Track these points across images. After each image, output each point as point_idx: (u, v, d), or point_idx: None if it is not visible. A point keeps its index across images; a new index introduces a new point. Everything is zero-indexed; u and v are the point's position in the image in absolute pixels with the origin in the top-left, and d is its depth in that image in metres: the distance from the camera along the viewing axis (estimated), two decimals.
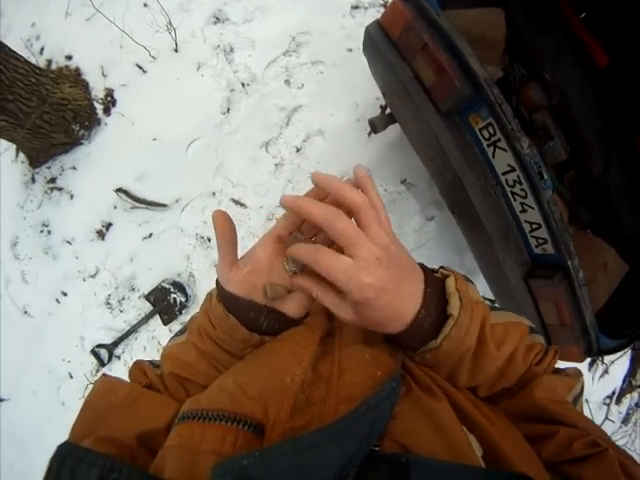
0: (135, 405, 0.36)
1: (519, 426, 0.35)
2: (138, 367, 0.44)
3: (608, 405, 2.36)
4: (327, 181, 0.32)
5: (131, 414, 0.36)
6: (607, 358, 2.26)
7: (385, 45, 1.20)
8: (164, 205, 1.84)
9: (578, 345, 1.20)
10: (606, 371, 2.33)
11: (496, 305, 1.58)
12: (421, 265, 0.37)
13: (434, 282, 0.35)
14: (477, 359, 0.35)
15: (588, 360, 2.21)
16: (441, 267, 0.39)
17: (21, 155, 2.03)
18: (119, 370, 1.86)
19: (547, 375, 0.40)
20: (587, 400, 2.21)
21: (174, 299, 1.78)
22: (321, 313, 0.42)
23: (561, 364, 0.45)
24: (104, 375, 0.41)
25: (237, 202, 1.83)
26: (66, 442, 0.29)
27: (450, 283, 0.35)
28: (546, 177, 1.09)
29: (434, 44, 1.08)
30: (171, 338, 0.45)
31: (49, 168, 1.98)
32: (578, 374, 0.43)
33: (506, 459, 0.28)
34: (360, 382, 0.31)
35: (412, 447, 0.27)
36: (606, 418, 2.28)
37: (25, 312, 1.99)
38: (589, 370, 2.24)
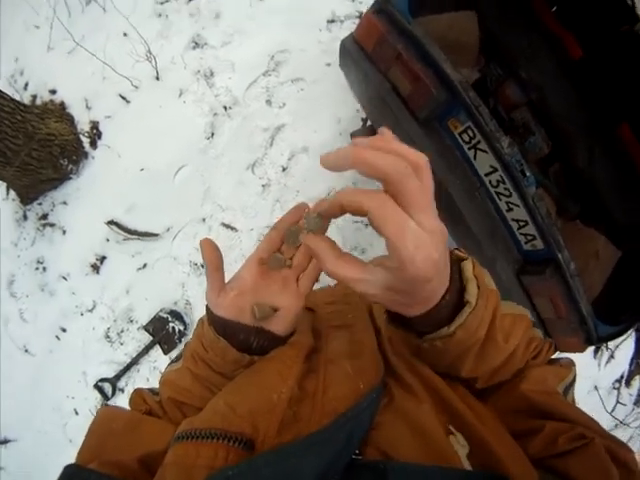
0: (136, 431, 0.38)
1: (507, 421, 0.35)
2: (138, 395, 0.45)
3: (618, 389, 2.35)
4: (373, 145, 0.26)
5: (132, 439, 0.37)
6: (611, 343, 2.26)
7: (360, 58, 1.23)
8: (155, 235, 1.85)
9: (577, 335, 1.20)
10: (612, 356, 2.33)
11: None
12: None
13: (454, 267, 0.33)
14: (484, 350, 0.35)
15: (592, 348, 2.22)
16: (456, 249, 0.37)
17: (12, 193, 2.03)
18: (123, 403, 1.82)
19: (536, 367, 0.40)
20: (596, 387, 2.21)
21: (173, 328, 1.78)
22: (307, 331, 0.42)
23: (563, 356, 0.46)
24: (106, 405, 0.42)
25: (227, 226, 1.85)
26: (72, 464, 0.31)
27: (468, 267, 0.34)
28: (528, 174, 1.11)
29: (408, 53, 1.10)
30: (168, 365, 0.46)
31: (40, 204, 1.99)
32: (570, 364, 0.43)
33: (495, 457, 0.28)
34: (343, 396, 0.32)
35: (394, 454, 0.28)
36: (617, 402, 2.27)
37: (26, 350, 1.97)
38: (594, 357, 2.24)
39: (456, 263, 0.34)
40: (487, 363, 0.36)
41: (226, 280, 0.38)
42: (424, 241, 0.25)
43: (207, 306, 0.38)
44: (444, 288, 0.30)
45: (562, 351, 1.31)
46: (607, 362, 2.31)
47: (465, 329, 0.32)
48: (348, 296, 0.55)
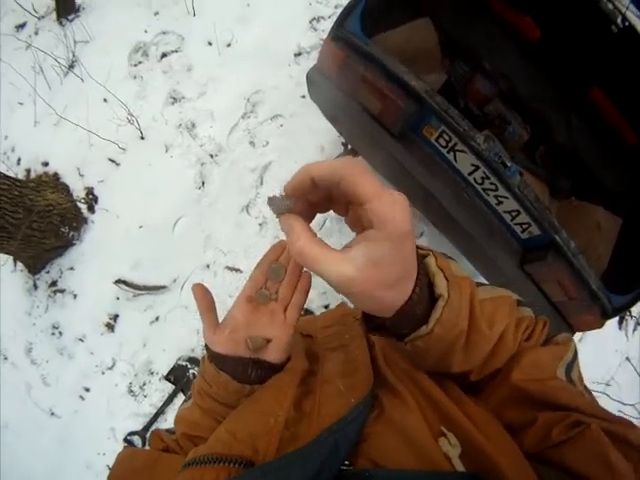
0: (155, 467, 0.40)
1: (502, 413, 0.35)
2: (156, 435, 0.47)
3: None
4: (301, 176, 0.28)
5: (151, 475, 0.39)
6: (635, 310, 2.21)
7: (327, 86, 1.27)
8: (164, 287, 1.89)
9: (592, 312, 1.19)
10: (638, 323, 2.28)
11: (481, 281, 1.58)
12: None
13: (418, 259, 0.32)
14: (470, 341, 0.34)
15: (616, 319, 2.17)
16: (417, 247, 0.35)
17: (19, 264, 2.09)
18: None
19: (531, 352, 0.38)
20: (628, 358, 2.15)
21: (193, 374, 1.81)
22: (301, 356, 0.44)
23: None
24: (125, 446, 0.44)
25: (232, 269, 1.89)
26: None
27: (431, 262, 0.34)
28: (509, 164, 1.13)
29: (370, 73, 1.14)
30: (181, 405, 0.50)
31: (48, 272, 2.04)
32: (568, 340, 0.41)
33: (487, 456, 0.29)
34: (336, 412, 0.34)
35: (384, 463, 0.30)
36: None
37: (52, 414, 1.99)
38: (619, 328, 2.19)
39: (420, 260, 0.33)
40: (476, 354, 0.36)
41: (220, 320, 0.42)
42: (397, 197, 0.26)
43: (206, 344, 0.40)
44: (415, 262, 0.29)
45: (581, 330, 1.29)
46: (634, 330, 2.25)
47: (443, 324, 0.31)
48: (345, 317, 0.57)
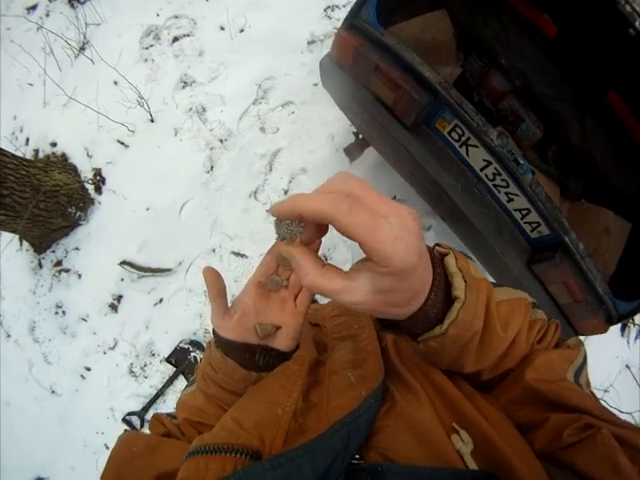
0: (155, 452, 0.39)
1: (513, 412, 0.35)
2: (156, 419, 0.47)
3: None
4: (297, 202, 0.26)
5: (152, 460, 0.38)
6: (638, 318, 2.20)
7: (341, 75, 1.25)
8: (168, 270, 1.90)
9: (597, 317, 1.17)
10: None
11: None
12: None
13: (437, 262, 0.32)
14: (484, 343, 0.34)
15: (619, 326, 2.15)
16: (436, 244, 0.36)
17: (25, 244, 2.11)
18: None
19: (543, 353, 0.38)
20: (628, 366, 2.13)
21: (194, 357, 1.82)
22: (310, 345, 0.43)
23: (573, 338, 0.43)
24: (125, 429, 0.43)
25: (237, 254, 1.89)
26: None
27: (451, 262, 0.33)
28: (522, 162, 1.11)
29: (385, 63, 1.12)
30: (183, 389, 0.48)
31: (54, 252, 2.06)
32: (578, 344, 0.41)
33: (499, 453, 0.28)
34: (346, 404, 0.33)
35: (394, 457, 0.29)
36: None
37: (53, 392, 2.02)
38: (622, 335, 2.17)
39: (439, 260, 0.33)
40: (489, 355, 0.36)
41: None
42: (399, 231, 0.24)
43: (213, 330, 0.40)
44: (429, 276, 0.29)
45: (585, 334, 1.28)
46: (636, 338, 2.23)
47: (458, 325, 0.31)
48: None
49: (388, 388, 0.36)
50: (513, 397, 0.37)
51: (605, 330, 1.21)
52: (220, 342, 0.38)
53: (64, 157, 2.09)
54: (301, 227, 0.29)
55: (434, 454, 0.28)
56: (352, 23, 1.16)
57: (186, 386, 0.49)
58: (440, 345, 0.32)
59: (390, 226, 0.24)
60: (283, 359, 0.39)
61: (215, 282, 0.38)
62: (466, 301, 0.31)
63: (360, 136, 1.71)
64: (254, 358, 0.38)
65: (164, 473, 0.36)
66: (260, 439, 0.30)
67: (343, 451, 0.29)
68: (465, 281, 0.32)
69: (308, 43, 2.03)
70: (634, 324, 2.20)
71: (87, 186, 2.02)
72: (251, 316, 0.39)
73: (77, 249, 2.01)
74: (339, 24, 1.83)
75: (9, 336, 2.12)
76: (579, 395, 0.35)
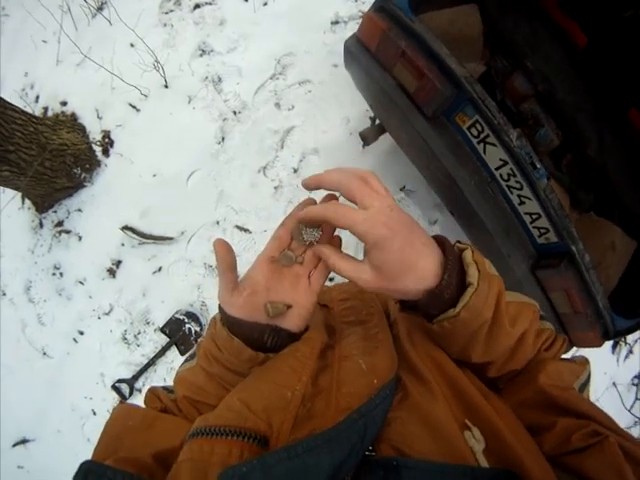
0: (152, 428, 0.38)
1: (521, 415, 0.35)
2: (152, 393, 0.45)
3: (637, 385, 2.29)
4: (326, 178, 0.36)
5: (148, 436, 0.37)
6: (630, 337, 2.21)
7: (365, 58, 1.23)
8: (170, 238, 1.88)
9: (594, 330, 1.18)
10: (631, 351, 2.27)
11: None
12: (441, 236, 0.38)
13: (453, 252, 0.36)
14: (492, 333, 0.36)
15: (610, 342, 2.17)
16: (457, 241, 0.40)
17: (27, 202, 2.09)
18: (140, 403, 1.87)
19: (553, 362, 0.40)
20: (615, 383, 2.15)
21: (189, 329, 1.81)
22: (320, 327, 0.43)
23: (578, 354, 0.46)
24: (121, 402, 0.43)
25: (241, 228, 1.87)
26: (88, 460, 0.31)
27: (468, 254, 0.36)
28: (539, 166, 1.10)
29: (411, 50, 1.10)
30: (182, 364, 0.46)
31: (55, 212, 2.04)
32: (585, 362, 0.42)
33: (511, 452, 0.28)
34: (357, 392, 0.33)
35: (408, 450, 0.28)
36: (636, 399, 2.21)
37: (44, 353, 2.03)
38: (613, 352, 2.19)
39: (457, 253, 0.37)
40: (496, 347, 0.37)
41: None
42: (369, 214, 0.33)
43: (220, 306, 0.38)
44: (418, 252, 0.34)
45: (579, 346, 1.28)
46: (626, 357, 2.25)
47: (470, 309, 0.33)
48: (362, 292, 0.54)
49: (400, 378, 0.36)
50: (524, 399, 0.37)
51: (600, 344, 1.22)
52: (227, 320, 0.37)
53: (74, 117, 2.06)
54: (319, 230, 0.40)
55: (448, 450, 0.28)
56: (382, 6, 1.14)
57: (185, 360, 0.47)
58: (452, 326, 0.35)
59: (361, 214, 0.33)
60: (292, 340, 0.38)
61: (226, 255, 0.36)
62: (478, 288, 0.33)
63: (377, 122, 1.68)
64: (262, 338, 0.37)
65: (162, 451, 0.34)
66: (268, 423, 0.29)
67: (359, 443, 0.28)
68: (479, 271, 0.35)
69: (332, 23, 1.97)
70: (625, 343, 2.22)
71: (95, 148, 1.99)
72: (261, 294, 0.37)
73: (79, 211, 2.00)
74: (364, 7, 1.79)
75: (4, 294, 2.12)
76: (589, 403, 0.36)
